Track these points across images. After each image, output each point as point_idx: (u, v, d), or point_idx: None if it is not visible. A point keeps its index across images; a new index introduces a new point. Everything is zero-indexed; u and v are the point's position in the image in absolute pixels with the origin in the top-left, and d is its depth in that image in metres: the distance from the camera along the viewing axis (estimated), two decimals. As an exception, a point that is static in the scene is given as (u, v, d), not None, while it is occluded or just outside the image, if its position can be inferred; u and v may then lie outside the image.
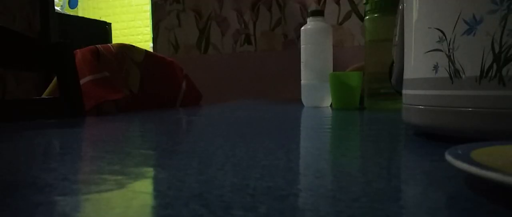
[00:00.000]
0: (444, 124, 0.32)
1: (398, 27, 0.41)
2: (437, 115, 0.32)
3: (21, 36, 0.70)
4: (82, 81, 0.91)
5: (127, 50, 1.10)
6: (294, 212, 0.15)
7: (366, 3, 0.83)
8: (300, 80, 0.95)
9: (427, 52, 0.33)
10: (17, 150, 0.33)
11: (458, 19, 0.30)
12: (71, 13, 3.61)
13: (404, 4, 0.38)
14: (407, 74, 0.37)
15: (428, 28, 0.33)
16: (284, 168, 0.23)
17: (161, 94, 1.24)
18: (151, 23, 2.39)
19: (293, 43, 2.06)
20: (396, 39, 0.42)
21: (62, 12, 3.41)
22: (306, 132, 0.42)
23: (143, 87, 1.14)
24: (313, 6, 1.97)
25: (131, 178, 0.22)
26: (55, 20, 2.50)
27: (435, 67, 0.32)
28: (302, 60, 0.94)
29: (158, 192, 0.19)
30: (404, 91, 0.38)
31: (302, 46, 0.93)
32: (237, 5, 2.15)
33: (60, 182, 0.21)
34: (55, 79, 0.89)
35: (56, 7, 2.82)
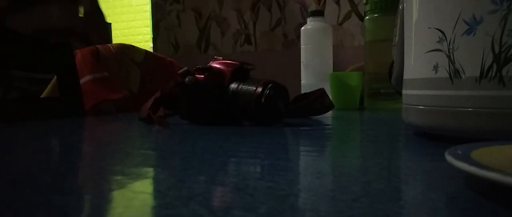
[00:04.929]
0: (444, 124, 0.32)
1: (398, 27, 0.41)
2: (437, 115, 0.32)
3: (21, 36, 0.70)
4: (82, 81, 0.91)
5: (127, 50, 1.10)
6: (294, 212, 0.15)
7: (366, 3, 0.83)
8: (300, 80, 0.95)
9: (427, 52, 0.33)
10: (17, 150, 0.33)
11: (458, 19, 0.30)
12: (71, 13, 3.60)
13: (404, 4, 0.38)
14: (407, 74, 0.37)
15: (428, 28, 0.33)
16: (284, 168, 0.23)
17: (161, 94, 1.23)
18: (151, 23, 2.39)
19: (293, 43, 2.06)
20: (396, 39, 0.42)
21: (62, 12, 3.40)
22: (306, 132, 0.42)
23: (143, 87, 1.14)
24: (313, 6, 1.97)
25: (131, 178, 0.22)
26: (55, 20, 2.50)
27: (435, 67, 0.32)
28: (302, 60, 0.94)
29: (158, 192, 0.19)
30: (404, 91, 0.38)
31: (302, 46, 0.93)
32: (237, 5, 2.15)
33: (61, 182, 0.21)
34: (54, 78, 0.89)
35: (56, 7, 2.82)
